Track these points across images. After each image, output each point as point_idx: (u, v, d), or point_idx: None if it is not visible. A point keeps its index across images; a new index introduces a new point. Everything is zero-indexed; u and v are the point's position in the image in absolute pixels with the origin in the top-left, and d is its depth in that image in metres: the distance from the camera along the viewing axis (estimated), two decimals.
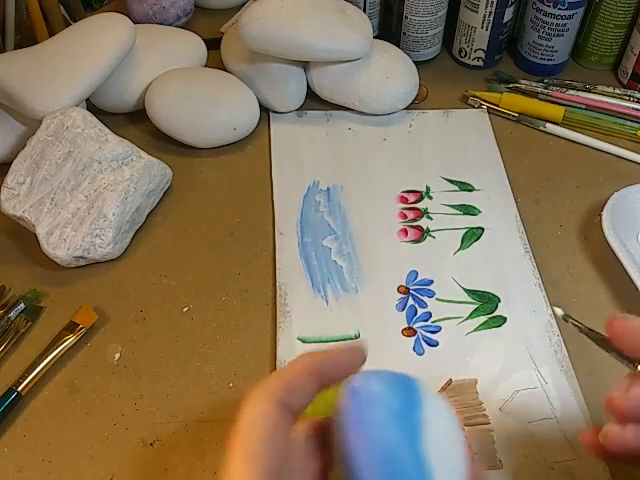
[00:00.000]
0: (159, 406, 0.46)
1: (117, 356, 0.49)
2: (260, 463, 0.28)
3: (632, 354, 0.30)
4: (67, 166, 0.54)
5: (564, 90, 0.68)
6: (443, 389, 0.45)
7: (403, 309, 0.51)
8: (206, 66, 0.68)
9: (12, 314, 0.50)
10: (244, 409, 0.30)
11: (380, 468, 0.28)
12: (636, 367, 0.29)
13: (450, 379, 0.47)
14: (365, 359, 0.33)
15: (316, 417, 0.33)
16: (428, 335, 0.50)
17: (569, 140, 0.65)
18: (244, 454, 0.28)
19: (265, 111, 0.66)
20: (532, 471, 0.43)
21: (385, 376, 0.30)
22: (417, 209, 0.58)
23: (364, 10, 0.70)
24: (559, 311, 0.31)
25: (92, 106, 0.63)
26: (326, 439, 0.32)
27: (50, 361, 0.48)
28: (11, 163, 0.55)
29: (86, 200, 0.53)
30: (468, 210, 0.58)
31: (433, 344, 0.49)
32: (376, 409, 0.29)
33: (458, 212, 0.58)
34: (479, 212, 0.58)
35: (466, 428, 0.44)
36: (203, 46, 0.68)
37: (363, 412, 0.29)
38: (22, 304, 0.51)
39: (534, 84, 0.69)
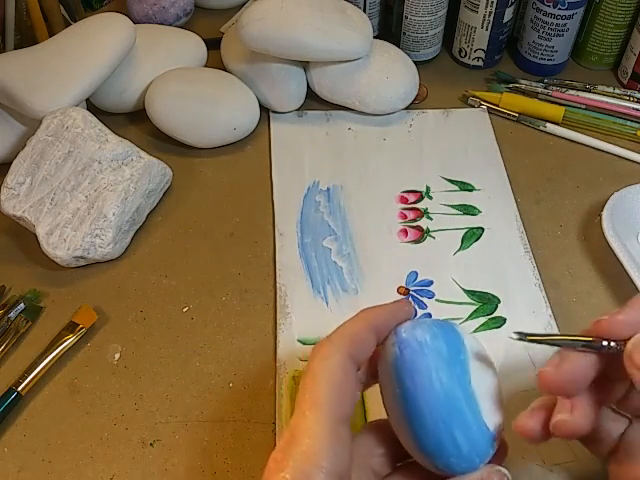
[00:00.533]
0: (159, 406, 0.46)
1: (117, 356, 0.49)
2: (332, 410, 0.30)
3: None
4: (67, 166, 0.54)
5: (564, 90, 0.68)
6: None
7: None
8: (206, 66, 0.68)
9: (12, 314, 0.50)
10: (314, 360, 0.31)
11: (439, 410, 0.31)
12: (616, 347, 0.29)
13: None
14: (414, 312, 0.35)
15: None
16: None
17: (569, 140, 0.65)
18: (316, 401, 0.30)
19: (265, 111, 0.66)
20: (531, 473, 0.43)
21: (429, 324, 0.33)
22: (417, 209, 0.58)
23: (364, 10, 0.70)
24: (514, 335, 0.32)
25: (92, 106, 0.63)
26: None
27: (50, 361, 0.48)
28: (11, 163, 0.55)
29: (86, 200, 0.53)
30: (468, 210, 0.58)
31: None
32: (428, 356, 0.32)
33: (458, 212, 0.58)
34: (479, 212, 0.58)
35: None
36: (203, 46, 0.68)
37: (417, 360, 0.32)
38: (22, 304, 0.51)
39: (534, 84, 0.69)
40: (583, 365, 0.30)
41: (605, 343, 0.29)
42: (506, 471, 0.32)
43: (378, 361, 0.34)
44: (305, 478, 0.28)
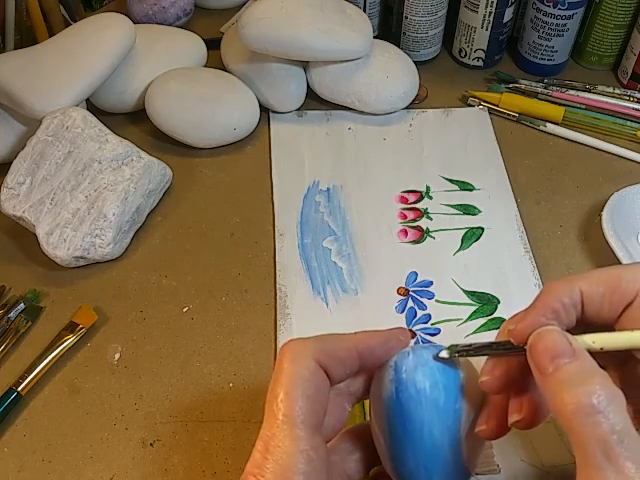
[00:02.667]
0: (159, 406, 0.46)
1: (117, 356, 0.49)
2: (306, 421, 0.29)
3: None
4: (67, 166, 0.54)
5: (564, 90, 0.68)
6: None
7: (403, 311, 0.51)
8: (206, 66, 0.68)
9: (12, 314, 0.50)
10: (284, 361, 0.30)
11: (422, 457, 0.31)
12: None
13: None
14: (409, 344, 0.34)
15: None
16: (427, 338, 0.50)
17: (569, 140, 0.65)
18: (290, 412, 0.29)
19: (265, 111, 0.66)
20: (529, 475, 0.43)
21: (432, 368, 0.32)
22: (417, 209, 0.58)
23: (364, 10, 0.70)
24: (444, 353, 0.32)
25: (92, 106, 0.63)
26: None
27: (50, 361, 0.48)
28: (11, 163, 0.55)
29: (86, 200, 0.53)
30: (468, 210, 0.58)
31: None
32: (424, 407, 0.31)
33: (458, 212, 0.58)
34: (479, 212, 0.58)
35: None
36: (203, 46, 0.68)
37: (412, 408, 0.31)
38: (22, 304, 0.51)
39: (534, 84, 0.69)
40: (514, 366, 0.31)
41: (522, 345, 0.30)
42: None
43: (373, 383, 0.34)
44: None
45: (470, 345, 0.31)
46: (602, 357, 0.29)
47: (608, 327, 0.31)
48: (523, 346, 0.30)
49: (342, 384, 0.33)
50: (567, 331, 0.29)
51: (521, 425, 0.30)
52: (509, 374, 0.31)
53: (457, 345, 0.32)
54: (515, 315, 0.31)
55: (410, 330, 0.49)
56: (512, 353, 0.30)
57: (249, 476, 0.29)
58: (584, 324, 0.31)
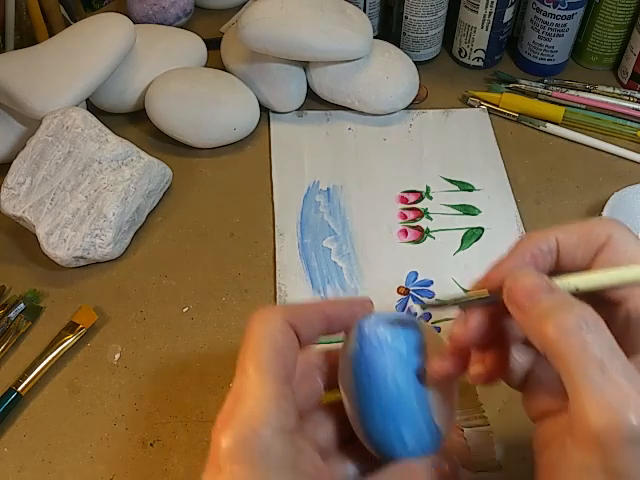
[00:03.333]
0: (159, 406, 0.46)
1: (117, 356, 0.49)
2: (276, 371, 0.30)
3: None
4: (67, 166, 0.54)
5: (564, 90, 0.68)
6: None
7: (403, 310, 0.51)
8: (206, 66, 0.68)
9: (12, 314, 0.50)
10: (253, 323, 0.32)
11: (390, 409, 0.32)
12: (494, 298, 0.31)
13: None
14: (373, 311, 0.35)
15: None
16: None
17: (569, 140, 0.65)
18: (260, 363, 0.30)
19: (265, 111, 0.66)
20: (531, 473, 0.43)
21: (393, 322, 0.33)
22: (417, 209, 0.58)
23: (364, 10, 0.70)
24: (417, 309, 0.33)
25: (92, 106, 0.63)
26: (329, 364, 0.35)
27: (50, 361, 0.48)
28: (11, 163, 0.55)
29: (86, 200, 0.53)
30: (468, 210, 0.58)
31: None
32: (387, 356, 0.32)
33: (458, 212, 0.58)
34: (479, 212, 0.58)
35: (465, 430, 0.44)
36: (203, 46, 0.68)
37: (375, 359, 0.32)
38: (22, 304, 0.51)
39: (534, 84, 0.69)
40: (486, 317, 0.31)
41: (496, 294, 0.31)
42: (451, 460, 0.34)
43: (340, 351, 0.35)
44: (252, 434, 0.28)
45: (443, 300, 0.33)
46: None
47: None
48: (496, 294, 0.30)
49: (314, 360, 0.35)
50: None
51: (482, 379, 0.31)
52: (482, 324, 0.31)
53: (423, 303, 0.34)
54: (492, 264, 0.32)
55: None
56: (486, 302, 0.31)
57: (219, 424, 0.29)
58: (559, 273, 0.31)
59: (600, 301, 0.30)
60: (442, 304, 0.33)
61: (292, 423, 0.29)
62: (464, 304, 0.32)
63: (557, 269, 0.32)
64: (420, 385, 0.32)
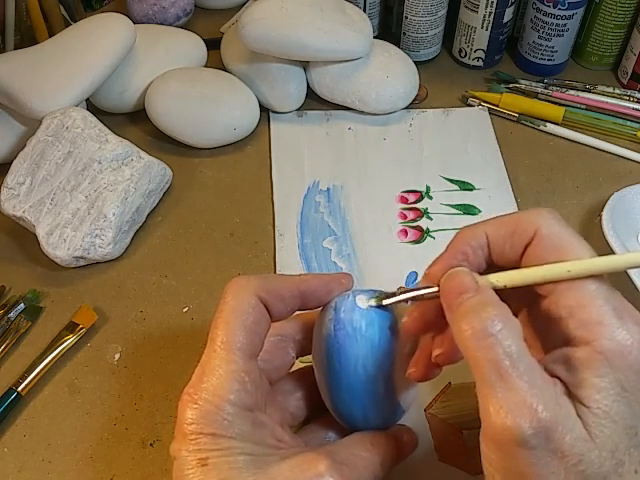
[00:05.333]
0: (159, 406, 0.46)
1: (117, 356, 0.49)
2: (242, 346, 0.31)
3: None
4: (67, 166, 0.54)
5: (564, 90, 0.68)
6: (442, 392, 0.45)
7: None
8: (206, 66, 0.68)
9: (12, 314, 0.50)
10: (227, 295, 0.33)
11: (357, 391, 0.33)
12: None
13: (449, 382, 0.47)
14: (351, 287, 0.36)
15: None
16: None
17: (569, 140, 0.65)
18: (227, 338, 0.31)
19: (265, 111, 0.66)
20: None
21: (369, 309, 0.34)
22: (417, 209, 0.58)
23: (364, 10, 0.70)
24: (372, 302, 0.34)
25: (92, 106, 0.63)
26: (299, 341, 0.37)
27: (50, 361, 0.48)
28: (11, 163, 0.55)
29: (86, 200, 0.53)
30: (468, 210, 0.58)
31: None
32: (359, 344, 0.33)
33: (458, 212, 0.58)
34: (479, 212, 0.58)
35: (465, 432, 0.44)
36: (203, 46, 0.68)
37: (348, 345, 0.33)
38: (22, 304, 0.51)
39: (534, 84, 0.69)
40: (431, 308, 0.32)
41: (436, 289, 0.32)
42: (409, 430, 0.36)
43: (315, 324, 0.35)
44: (215, 409, 0.30)
45: (394, 293, 0.34)
46: (516, 298, 0.31)
47: (515, 268, 0.32)
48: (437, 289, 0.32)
49: (288, 331, 0.36)
50: (478, 273, 0.31)
51: (442, 359, 0.32)
52: (426, 316, 0.32)
53: (383, 293, 0.34)
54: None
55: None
56: (430, 296, 0.32)
57: (185, 396, 0.31)
58: (495, 267, 0.32)
59: (533, 294, 0.31)
60: (393, 299, 0.34)
61: (254, 400, 0.31)
62: (410, 297, 0.33)
63: (491, 263, 0.33)
64: (389, 370, 0.33)
